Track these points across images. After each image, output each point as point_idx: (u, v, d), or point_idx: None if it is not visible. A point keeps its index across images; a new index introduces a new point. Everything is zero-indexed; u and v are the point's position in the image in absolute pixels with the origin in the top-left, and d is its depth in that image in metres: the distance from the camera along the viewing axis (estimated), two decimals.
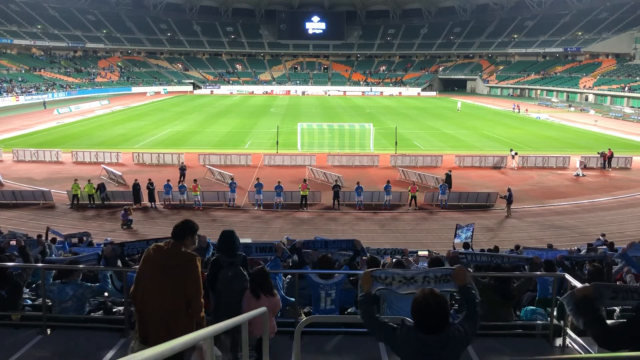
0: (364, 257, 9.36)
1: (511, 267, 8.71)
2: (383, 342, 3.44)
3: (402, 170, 30.68)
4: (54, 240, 15.22)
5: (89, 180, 25.18)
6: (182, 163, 30.01)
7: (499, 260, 8.35)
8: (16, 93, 74.57)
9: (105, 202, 24.66)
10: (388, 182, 25.49)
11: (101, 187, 24.76)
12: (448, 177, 26.94)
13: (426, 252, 12.63)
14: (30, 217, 22.62)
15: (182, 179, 27.15)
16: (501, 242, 18.28)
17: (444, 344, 3.10)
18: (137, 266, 4.92)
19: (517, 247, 15.18)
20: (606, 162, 33.47)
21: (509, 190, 24.09)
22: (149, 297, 4.30)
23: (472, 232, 19.22)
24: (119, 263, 6.69)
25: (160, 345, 2.50)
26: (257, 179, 25.61)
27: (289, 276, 7.50)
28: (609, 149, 34.36)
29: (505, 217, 23.80)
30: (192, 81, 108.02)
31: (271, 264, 7.04)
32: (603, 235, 17.65)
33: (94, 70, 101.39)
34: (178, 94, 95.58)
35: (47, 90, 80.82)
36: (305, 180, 25.72)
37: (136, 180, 25.00)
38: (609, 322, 3.96)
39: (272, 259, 7.29)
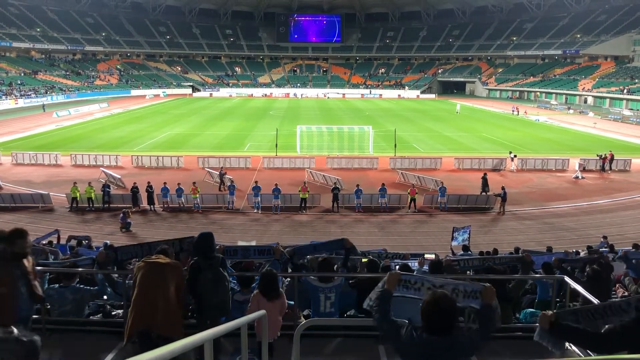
0: (364, 260, 9.35)
1: (508, 268, 8.72)
2: (389, 340, 3.44)
3: (401, 173, 30.68)
4: (50, 244, 15.22)
5: (89, 183, 25.19)
6: (222, 168, 29.66)
7: (491, 262, 8.36)
8: (15, 96, 74.57)
9: (105, 205, 24.63)
10: (383, 185, 25.50)
11: (106, 188, 24.85)
12: (485, 181, 26.71)
13: (432, 256, 12.58)
14: (29, 220, 22.56)
15: (222, 185, 27.40)
16: (500, 245, 18.28)
17: (448, 347, 3.10)
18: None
19: (517, 249, 15.18)
20: (605, 164, 33.49)
21: (502, 188, 24.63)
22: (148, 300, 4.80)
23: (469, 233, 19.22)
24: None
25: (160, 349, 2.51)
26: (255, 182, 25.64)
27: (288, 279, 7.50)
28: (610, 152, 34.35)
29: (498, 214, 24.19)
30: (191, 84, 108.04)
31: (270, 267, 7.03)
32: (605, 237, 17.64)
33: (93, 73, 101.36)
34: (177, 97, 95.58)
35: (46, 93, 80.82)
36: (305, 183, 25.74)
37: (135, 183, 25.00)
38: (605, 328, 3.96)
39: (270, 262, 7.29)
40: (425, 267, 9.73)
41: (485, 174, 27.88)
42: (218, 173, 28.55)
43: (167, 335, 4.95)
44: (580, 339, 3.63)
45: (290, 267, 7.50)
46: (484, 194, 26.33)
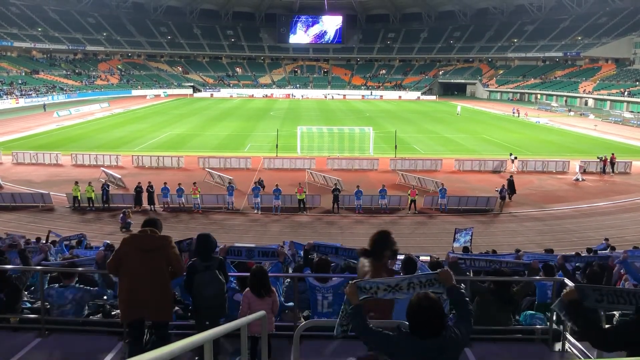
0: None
1: (510, 272, 8.69)
2: (379, 351, 3.41)
3: (402, 174, 30.69)
4: (53, 243, 15.21)
5: (89, 183, 25.21)
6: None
7: (498, 265, 8.33)
8: (16, 95, 74.64)
9: (105, 205, 24.64)
10: (383, 186, 25.50)
11: (105, 187, 24.87)
12: (510, 183, 26.59)
13: (428, 258, 12.54)
14: (29, 219, 22.59)
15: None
16: (500, 246, 18.28)
17: (442, 347, 3.07)
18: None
19: (518, 251, 15.15)
20: (605, 166, 33.44)
21: (503, 186, 25.48)
22: (138, 279, 4.91)
23: (471, 235, 19.22)
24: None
25: (160, 349, 2.51)
26: (255, 182, 25.64)
27: (288, 280, 7.50)
28: (612, 154, 34.30)
29: (496, 213, 24.61)
30: (192, 84, 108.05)
31: (272, 269, 7.04)
32: (606, 239, 17.59)
33: (94, 73, 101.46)
34: (178, 97, 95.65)
35: (47, 92, 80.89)
36: (300, 184, 25.70)
37: (139, 183, 25.04)
38: (607, 325, 3.96)
39: (273, 264, 7.29)
40: (425, 269, 9.68)
41: (511, 175, 27.94)
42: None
43: (159, 321, 5.02)
44: (587, 328, 3.61)
45: (301, 260, 7.47)
46: (509, 196, 26.38)
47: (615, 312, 6.46)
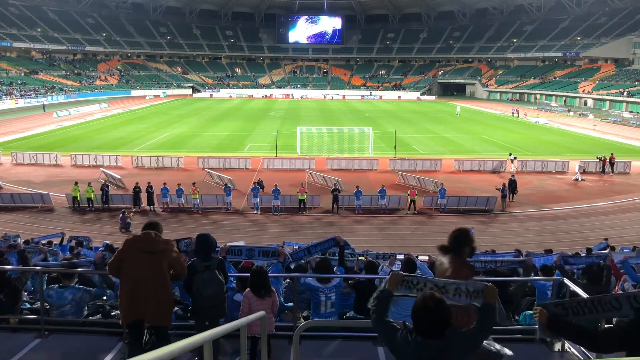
0: (360, 258, 9.29)
1: (508, 271, 8.70)
2: (383, 342, 3.43)
3: (401, 174, 30.70)
4: (50, 244, 15.18)
5: (89, 183, 25.21)
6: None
7: (493, 265, 8.34)
8: (15, 96, 74.58)
9: (105, 206, 24.63)
10: (382, 186, 25.50)
11: (105, 187, 24.86)
12: (512, 183, 26.65)
13: (427, 257, 12.52)
14: (29, 220, 22.58)
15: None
16: (500, 247, 18.28)
17: (443, 349, 3.08)
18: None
19: (518, 251, 15.15)
20: (605, 166, 33.45)
21: (503, 184, 25.58)
22: (139, 282, 4.89)
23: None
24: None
25: (160, 349, 2.51)
26: (254, 182, 25.64)
27: (288, 280, 7.50)
28: (612, 154, 34.31)
29: (501, 211, 24.74)
30: (191, 84, 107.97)
31: (273, 268, 7.05)
32: (606, 239, 17.60)
33: (93, 74, 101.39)
34: (177, 97, 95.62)
35: (46, 93, 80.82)
36: (302, 184, 25.72)
37: (137, 183, 25.02)
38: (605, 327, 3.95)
39: (273, 264, 7.30)
40: (397, 264, 9.59)
41: (513, 175, 27.96)
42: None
43: (159, 325, 5.03)
44: (577, 336, 3.62)
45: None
46: (511, 196, 26.47)
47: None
